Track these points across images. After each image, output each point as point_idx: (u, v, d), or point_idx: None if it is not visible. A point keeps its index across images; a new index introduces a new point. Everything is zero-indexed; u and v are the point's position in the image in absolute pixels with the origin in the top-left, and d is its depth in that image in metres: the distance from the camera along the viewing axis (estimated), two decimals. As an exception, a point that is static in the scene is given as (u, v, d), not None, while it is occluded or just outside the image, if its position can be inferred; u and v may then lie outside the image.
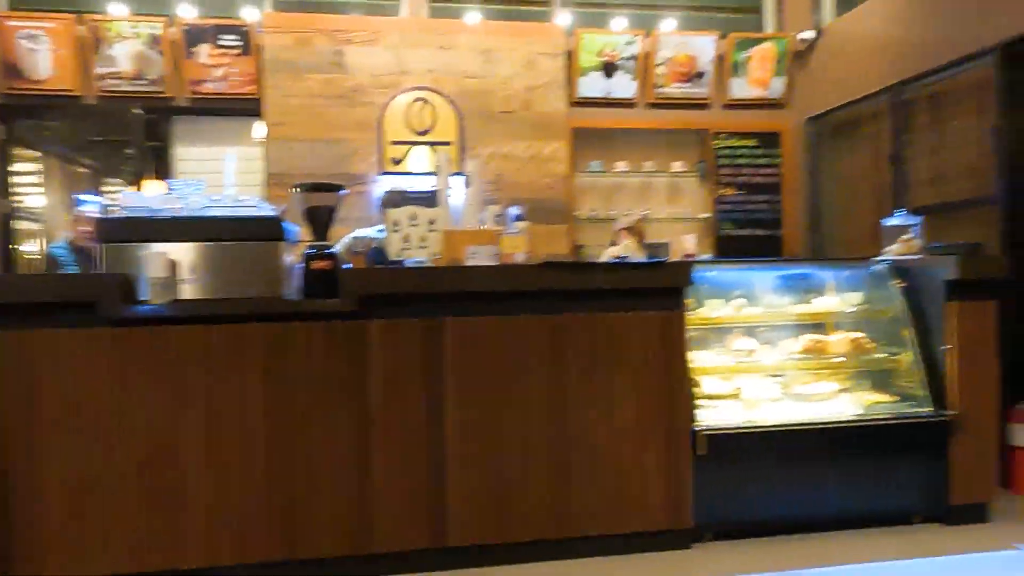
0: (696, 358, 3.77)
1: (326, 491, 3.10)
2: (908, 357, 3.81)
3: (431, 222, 3.31)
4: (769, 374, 3.90)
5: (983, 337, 3.67)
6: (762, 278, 4.12)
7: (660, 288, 3.42)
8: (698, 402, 3.67)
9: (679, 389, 3.41)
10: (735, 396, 3.76)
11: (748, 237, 6.23)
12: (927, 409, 3.68)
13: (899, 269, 3.94)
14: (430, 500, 3.18)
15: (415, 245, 3.36)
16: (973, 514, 3.69)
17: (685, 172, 6.27)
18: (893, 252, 4.12)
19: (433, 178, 3.66)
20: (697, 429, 3.42)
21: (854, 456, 3.58)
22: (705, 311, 3.84)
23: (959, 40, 4.61)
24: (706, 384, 3.78)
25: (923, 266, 3.82)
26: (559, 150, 5.96)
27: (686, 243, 5.91)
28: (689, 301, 3.82)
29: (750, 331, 4.01)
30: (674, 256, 5.74)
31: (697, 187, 6.34)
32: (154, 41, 5.58)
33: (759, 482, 3.51)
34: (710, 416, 3.57)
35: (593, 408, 3.33)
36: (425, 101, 5.78)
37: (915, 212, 4.56)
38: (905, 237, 4.13)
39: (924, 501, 3.67)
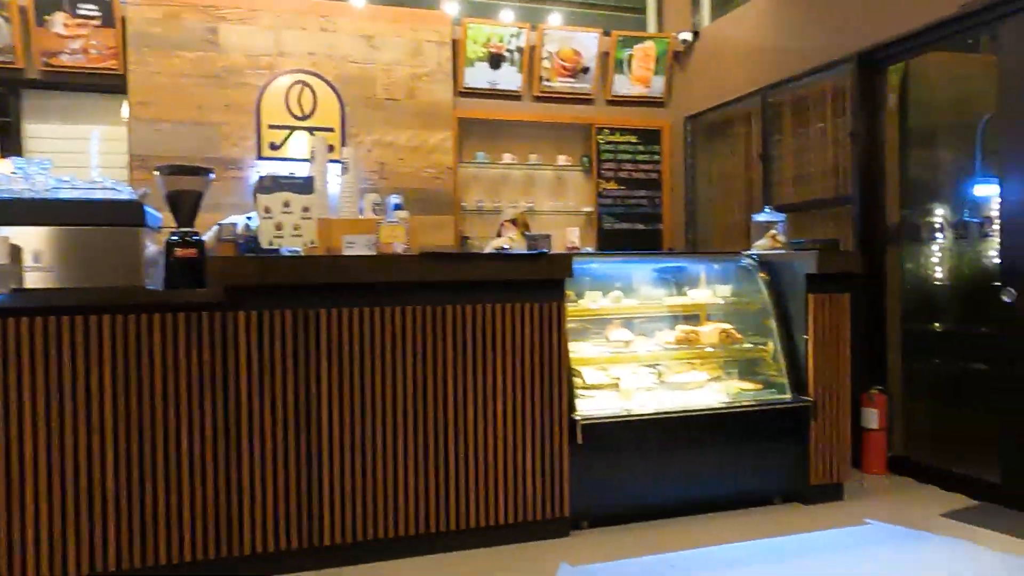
0: (576, 349, 3.82)
1: (187, 493, 2.92)
2: (773, 347, 4.02)
3: (305, 209, 3.18)
4: (645, 364, 4.01)
5: (838, 327, 3.91)
6: (639, 271, 4.23)
7: (540, 280, 3.43)
8: (578, 392, 3.72)
9: (558, 380, 3.44)
10: (613, 386, 3.84)
11: (630, 231, 6.39)
12: (788, 396, 3.89)
13: (765, 263, 4.13)
14: (301, 498, 3.06)
15: (288, 233, 3.21)
16: (830, 493, 3.93)
17: (570, 166, 6.35)
18: (760, 247, 4.32)
19: (315, 165, 3.51)
20: (576, 419, 3.46)
21: (722, 442, 3.74)
22: (585, 302, 3.90)
23: (821, 48, 4.89)
24: (586, 374, 3.84)
25: (786, 260, 4.03)
26: (444, 140, 5.90)
27: (570, 236, 5.99)
28: (570, 293, 3.88)
29: (628, 322, 4.11)
30: (558, 248, 5.81)
31: (582, 181, 6.44)
32: (0, 6, 5.09)
33: (635, 469, 3.60)
34: (589, 406, 3.63)
35: (472, 400, 3.30)
36: (305, 84, 5.57)
37: (781, 209, 4.81)
38: (771, 233, 4.35)
39: (786, 482, 3.88)
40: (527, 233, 5.42)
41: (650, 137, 6.48)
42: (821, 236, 4.91)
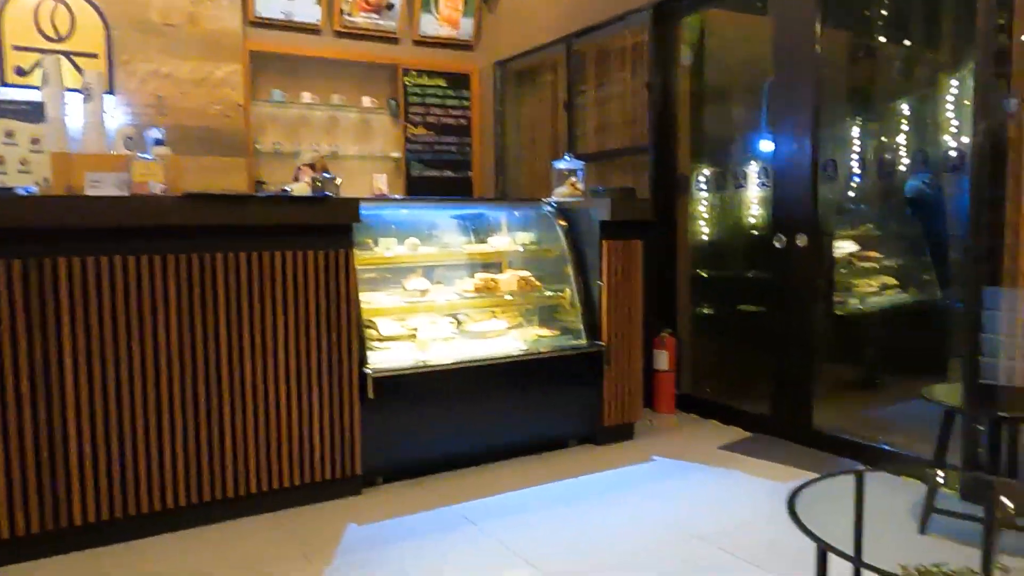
0: (370, 299, 3.63)
1: None
2: (570, 293, 4.05)
3: (35, 141, 2.69)
4: (444, 313, 3.90)
5: (631, 273, 4.01)
6: (439, 218, 4.09)
7: (326, 225, 3.19)
8: (373, 344, 3.55)
9: (347, 332, 3.23)
10: (410, 337, 3.70)
11: (439, 179, 6.23)
12: (584, 342, 3.95)
13: (564, 210, 4.14)
14: (43, 475, 2.66)
15: (14, 169, 2.71)
16: (622, 433, 4.08)
17: (375, 108, 6.04)
18: (560, 194, 4.32)
19: (48, 89, 2.98)
20: (367, 372, 3.29)
21: (520, 389, 3.73)
22: (380, 250, 3.70)
23: (622, -2, 4.93)
24: (381, 325, 3.66)
25: (584, 207, 4.05)
26: (233, 74, 5.37)
27: (377, 182, 5.73)
28: (368, 240, 3.67)
29: (428, 271, 3.97)
30: (366, 195, 5.53)
31: (389, 125, 6.15)
32: None
33: (432, 421, 3.50)
34: (384, 358, 3.47)
35: (251, 357, 3.02)
36: (59, 2, 4.80)
37: (584, 158, 4.85)
38: (571, 180, 4.36)
39: (582, 425, 3.96)
40: (314, 176, 5.12)
41: (459, 81, 6.30)
42: (619, 185, 5.02)
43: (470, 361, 3.59)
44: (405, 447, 3.45)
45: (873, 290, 5.38)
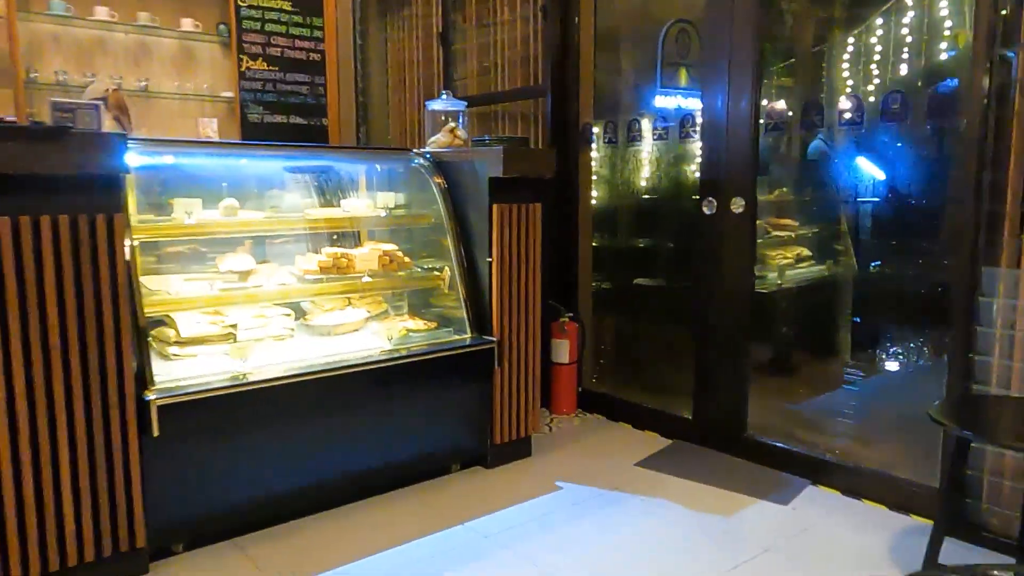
0: (163, 286, 2.53)
1: None
2: (449, 273, 3.11)
3: None
4: (277, 303, 2.86)
5: (528, 245, 3.11)
6: (270, 171, 3.01)
7: (71, 177, 2.06)
8: (170, 351, 2.47)
9: (116, 338, 2.14)
10: (226, 338, 2.64)
11: (286, 126, 5.05)
12: (468, 336, 3.03)
13: (442, 165, 3.17)
14: None
15: None
16: (518, 450, 3.21)
17: (200, 34, 4.76)
18: (437, 144, 3.34)
19: None
20: (149, 398, 2.22)
21: (383, 404, 2.77)
22: (178, 216, 2.59)
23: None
24: (181, 323, 2.57)
25: (467, 160, 3.09)
26: (-13, -27, 3.95)
27: (205, 129, 4.49)
28: (172, 203, 2.57)
29: (257, 246, 2.91)
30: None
31: (219, 57, 4.89)
32: None
33: (258, 456, 2.48)
34: (184, 373, 2.40)
35: (-61, 387, 1.89)
36: None
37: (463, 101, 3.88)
38: (450, 127, 3.38)
39: (467, 444, 3.06)
40: (125, 116, 3.88)
41: (309, 6, 5.11)
42: (510, 135, 4.09)
43: (312, 370, 2.58)
44: (216, 497, 2.42)
45: (788, 262, 4.77)
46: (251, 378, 2.45)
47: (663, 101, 4.03)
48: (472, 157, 3.07)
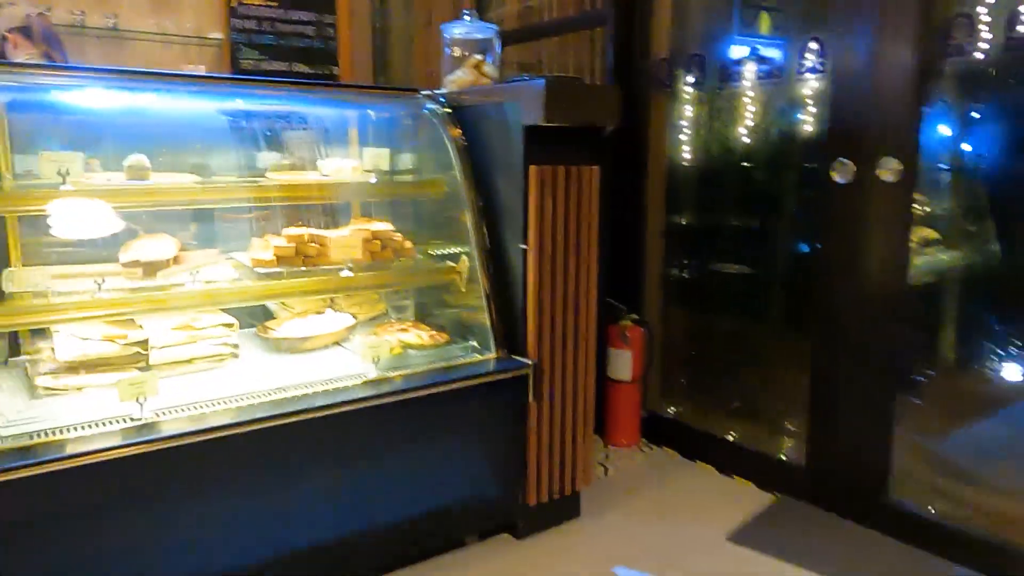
0: (28, 283, 1.69)
1: None
2: (468, 264, 2.19)
3: None
4: (217, 304, 1.98)
5: (581, 224, 2.17)
6: (210, 118, 2.12)
7: None
8: (38, 383, 1.63)
9: None
10: (131, 362, 1.78)
11: (287, 74, 4.18)
12: (493, 355, 2.12)
13: (461, 110, 2.24)
14: None
15: None
16: (561, 512, 2.31)
17: (182, -39, 3.90)
18: (457, 82, 2.41)
19: None
20: (-35, 474, 1.37)
21: (361, 456, 1.87)
22: (47, 178, 1.72)
23: None
24: (60, 343, 1.72)
25: (496, 104, 2.15)
26: None
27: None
28: (42, 162, 1.73)
29: (193, 220, 2.03)
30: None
31: (208, -10, 4.02)
32: None
33: (168, 540, 1.63)
34: (57, 414, 1.56)
35: None
36: None
37: (513, 40, 2.93)
38: (475, 60, 2.45)
39: (488, 507, 2.16)
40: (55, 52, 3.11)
41: (316, -74, 4.19)
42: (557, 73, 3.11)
43: (257, 415, 1.70)
44: (104, 607, 1.58)
45: (912, 247, 3.70)
46: (162, 428, 1.59)
47: (773, 24, 2.99)
48: (502, 98, 2.13)
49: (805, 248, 2.60)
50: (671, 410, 3.03)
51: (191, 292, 1.80)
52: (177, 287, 1.79)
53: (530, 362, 2.09)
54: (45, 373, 1.70)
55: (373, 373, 1.94)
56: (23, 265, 1.91)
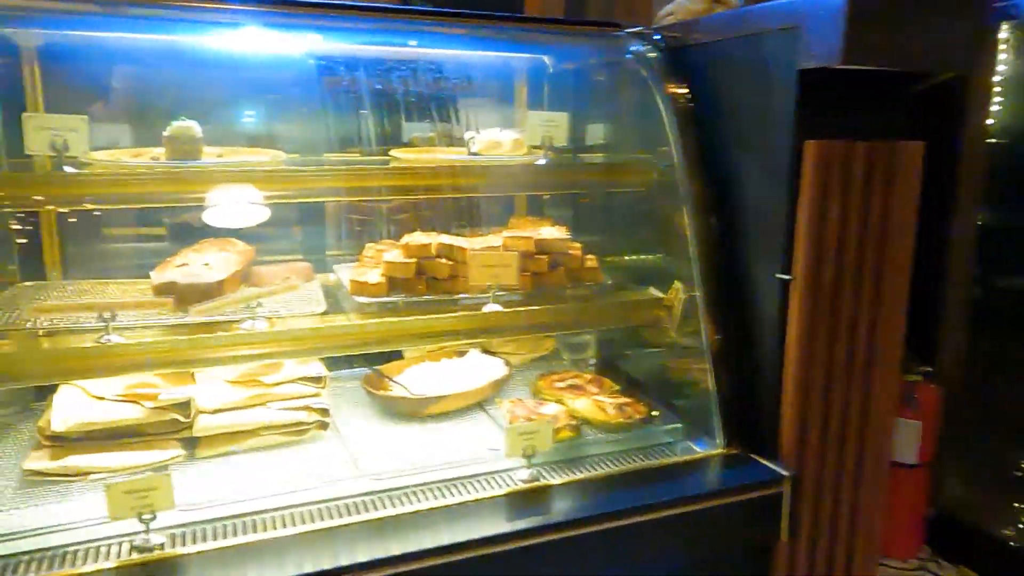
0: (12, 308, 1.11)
1: None
2: (681, 290, 1.38)
3: None
4: (310, 349, 1.32)
5: (891, 241, 1.27)
6: (280, 65, 1.45)
7: None
8: (25, 465, 1.06)
9: None
10: (171, 430, 1.17)
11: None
12: (714, 451, 1.30)
13: (685, 56, 1.42)
14: None
15: None
16: None
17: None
18: (679, 13, 1.59)
19: None
20: None
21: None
22: (39, 149, 1.13)
23: None
24: (62, 401, 1.15)
25: (749, 40, 1.31)
26: None
27: None
28: (28, 127, 1.13)
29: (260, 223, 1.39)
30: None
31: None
32: None
33: None
34: (46, 516, 0.98)
35: None
36: None
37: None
38: (708, -20, 1.60)
39: None
40: None
41: None
42: None
43: (334, 566, 1.03)
44: None
45: None
46: (198, 542, 0.97)
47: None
48: (762, 28, 1.27)
49: None
50: (974, 512, 2.01)
51: (246, 336, 1.15)
52: (224, 328, 1.15)
53: (786, 472, 1.24)
54: (38, 448, 1.14)
55: (524, 474, 1.20)
56: (63, 278, 1.39)
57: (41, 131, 1.06)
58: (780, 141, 1.23)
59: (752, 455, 1.30)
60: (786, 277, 1.24)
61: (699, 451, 1.31)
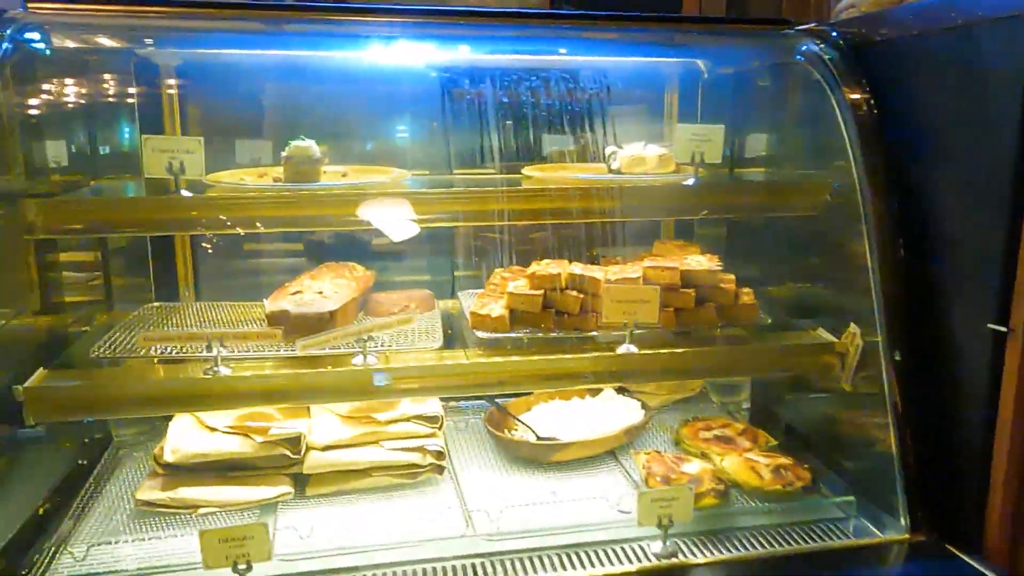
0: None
1: None
2: (856, 337, 1.15)
3: None
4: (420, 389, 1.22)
5: None
6: (399, 79, 1.35)
7: None
8: (136, 496, 1.04)
9: None
10: (278, 466, 1.11)
11: None
12: (896, 536, 1.07)
13: (868, 55, 1.20)
14: None
15: None
16: None
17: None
18: (860, 5, 1.36)
19: None
20: None
21: None
22: (154, 168, 1.09)
23: None
24: (177, 431, 1.12)
25: (959, 33, 1.07)
26: None
27: None
28: (148, 152, 1.12)
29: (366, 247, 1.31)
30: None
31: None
32: None
33: None
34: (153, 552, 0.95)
35: None
36: None
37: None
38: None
39: None
40: None
41: None
42: None
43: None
44: None
45: None
46: None
47: None
48: (974, 20, 1.03)
49: None
50: None
51: (353, 373, 1.06)
52: (333, 363, 1.07)
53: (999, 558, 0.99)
54: (152, 476, 1.11)
55: (659, 547, 1.03)
56: (195, 299, 1.38)
57: (159, 153, 1.03)
58: (997, 157, 0.98)
59: (947, 542, 1.05)
60: (1001, 329, 0.99)
61: (878, 535, 1.08)
